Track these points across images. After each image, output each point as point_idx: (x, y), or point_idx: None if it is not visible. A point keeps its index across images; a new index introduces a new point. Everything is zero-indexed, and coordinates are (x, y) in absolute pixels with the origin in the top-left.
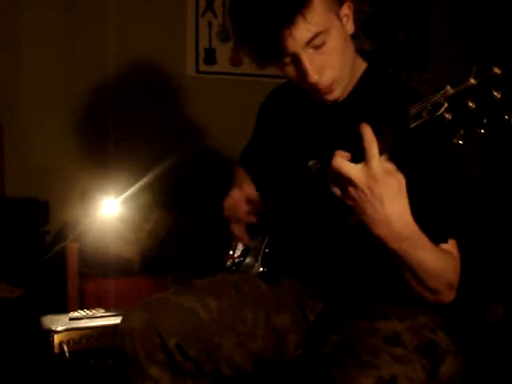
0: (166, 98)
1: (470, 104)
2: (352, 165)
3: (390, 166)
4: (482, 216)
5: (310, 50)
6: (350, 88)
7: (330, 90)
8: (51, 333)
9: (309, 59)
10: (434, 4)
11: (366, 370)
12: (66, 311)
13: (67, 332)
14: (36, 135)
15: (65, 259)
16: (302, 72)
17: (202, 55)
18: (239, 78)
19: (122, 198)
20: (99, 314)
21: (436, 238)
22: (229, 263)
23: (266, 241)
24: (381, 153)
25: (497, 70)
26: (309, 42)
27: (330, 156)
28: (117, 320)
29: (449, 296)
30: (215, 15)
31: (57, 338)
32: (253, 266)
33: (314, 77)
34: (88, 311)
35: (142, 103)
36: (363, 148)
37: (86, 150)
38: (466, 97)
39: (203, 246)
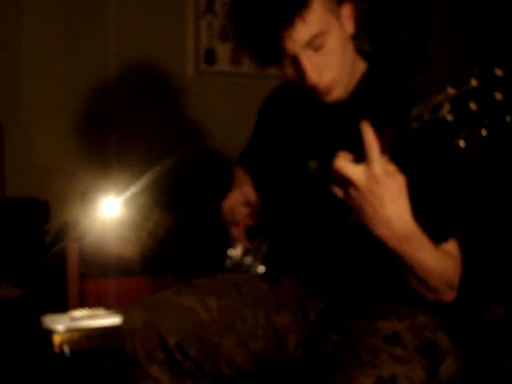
0: (166, 98)
1: (472, 105)
2: (353, 166)
3: (391, 167)
4: (483, 216)
5: (310, 51)
6: (350, 88)
7: (329, 90)
8: (51, 332)
9: (308, 60)
10: (433, 4)
11: (366, 369)
12: (66, 311)
13: (68, 332)
14: (36, 135)
15: (65, 259)
16: (301, 73)
17: (202, 55)
18: (239, 78)
19: (122, 197)
20: (100, 314)
21: (436, 238)
22: (229, 263)
23: (266, 241)
24: (381, 153)
25: (498, 72)
26: (308, 43)
27: (331, 156)
28: (117, 320)
29: (449, 295)
30: (216, 15)
31: (57, 338)
32: (253, 266)
33: (313, 78)
34: (88, 311)
35: (142, 103)
36: (364, 149)
37: (86, 149)
38: (468, 98)
39: (203, 246)
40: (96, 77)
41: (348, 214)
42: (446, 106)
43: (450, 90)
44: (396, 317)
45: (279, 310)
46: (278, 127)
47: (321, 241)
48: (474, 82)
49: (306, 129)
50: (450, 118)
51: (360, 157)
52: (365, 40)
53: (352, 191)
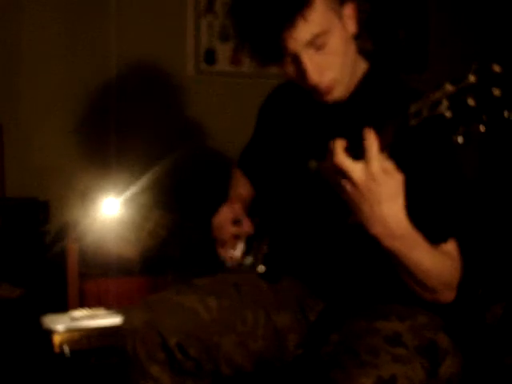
0: (166, 98)
1: (470, 101)
2: (353, 162)
3: (389, 165)
4: (482, 215)
5: (311, 51)
6: (351, 88)
7: (330, 90)
8: (52, 332)
9: (309, 59)
10: (433, 4)
11: (366, 369)
12: (66, 311)
13: (68, 332)
14: (36, 135)
15: (65, 259)
16: (302, 72)
17: (202, 55)
18: (239, 78)
19: (122, 197)
20: (100, 314)
21: (435, 238)
22: (229, 263)
23: (266, 241)
24: (381, 151)
25: (496, 68)
26: (309, 43)
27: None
28: (117, 320)
29: (447, 296)
30: (216, 15)
31: (57, 338)
32: (253, 266)
33: (314, 77)
34: (88, 311)
35: (142, 103)
36: (364, 147)
37: (86, 149)
38: (466, 94)
39: (203, 246)
40: (96, 77)
41: (347, 214)
42: (445, 103)
43: (448, 87)
44: (396, 317)
45: (279, 310)
46: (279, 127)
47: (321, 241)
48: (471, 78)
49: (306, 128)
50: (448, 114)
51: (360, 155)
52: (366, 40)
53: (350, 187)
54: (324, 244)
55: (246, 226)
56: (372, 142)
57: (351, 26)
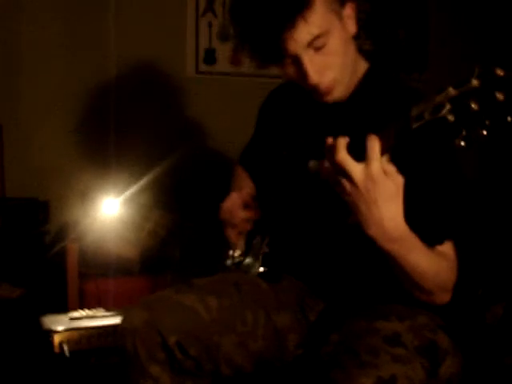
0: (166, 98)
1: (473, 106)
2: (354, 162)
3: (390, 168)
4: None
5: (311, 51)
6: (351, 88)
7: (330, 90)
8: (51, 333)
9: (309, 60)
10: (433, 4)
11: (366, 369)
12: (66, 311)
13: (67, 332)
14: (36, 135)
15: (65, 259)
16: (302, 73)
17: (201, 55)
18: (239, 78)
19: (122, 197)
20: (99, 314)
21: (431, 240)
22: (229, 263)
23: (266, 241)
24: (382, 153)
25: (500, 72)
26: (309, 44)
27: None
28: (117, 320)
29: (443, 297)
30: (215, 15)
31: (57, 338)
32: (253, 266)
33: (314, 78)
34: (88, 311)
35: (141, 103)
36: (365, 148)
37: (86, 149)
38: (469, 98)
39: (203, 246)
40: (96, 77)
41: (347, 214)
42: (447, 106)
43: (451, 91)
44: (396, 317)
45: (279, 310)
46: (279, 126)
47: (321, 240)
48: (475, 82)
49: (306, 128)
50: (450, 117)
51: (360, 155)
52: (366, 40)
53: (349, 187)
54: (324, 244)
55: (256, 211)
56: (374, 143)
57: (351, 27)
